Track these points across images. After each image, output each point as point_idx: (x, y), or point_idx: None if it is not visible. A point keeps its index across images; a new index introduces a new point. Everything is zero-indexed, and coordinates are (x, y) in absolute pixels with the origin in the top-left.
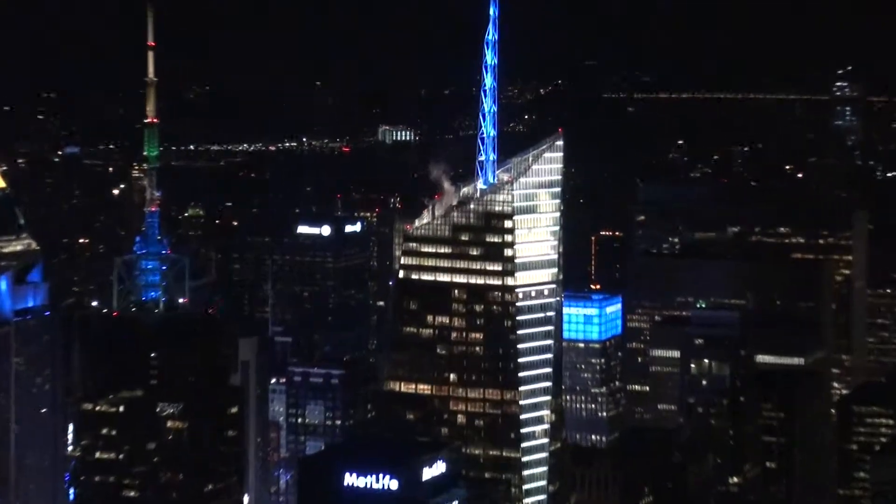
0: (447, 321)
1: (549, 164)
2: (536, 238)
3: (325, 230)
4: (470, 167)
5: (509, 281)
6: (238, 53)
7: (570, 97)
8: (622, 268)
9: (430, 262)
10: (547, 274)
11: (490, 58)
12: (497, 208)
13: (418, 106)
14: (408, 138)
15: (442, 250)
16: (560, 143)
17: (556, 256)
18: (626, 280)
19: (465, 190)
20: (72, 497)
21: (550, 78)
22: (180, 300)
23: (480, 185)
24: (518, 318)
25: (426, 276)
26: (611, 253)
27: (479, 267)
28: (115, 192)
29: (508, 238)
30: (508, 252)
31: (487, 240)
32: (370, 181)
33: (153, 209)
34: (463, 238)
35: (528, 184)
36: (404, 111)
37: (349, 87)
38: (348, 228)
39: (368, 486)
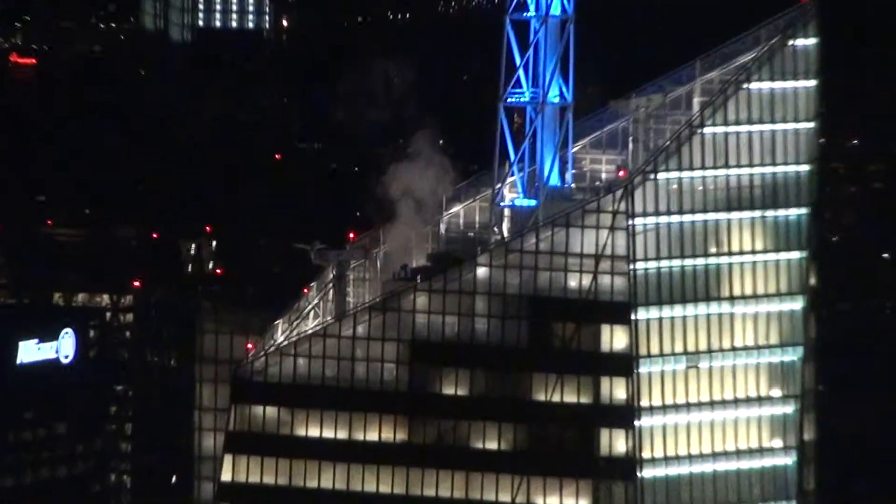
0: None
1: (767, 116)
2: (738, 392)
3: None
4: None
5: None
6: None
7: None
8: None
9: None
10: None
11: None
12: (573, 285)
13: None
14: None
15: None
16: (810, 41)
17: (791, 459)
18: None
19: (445, 219)
20: None
21: None
22: None
23: (515, 198)
24: None
25: None
26: None
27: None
28: None
29: (620, 394)
30: (618, 448)
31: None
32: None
33: None
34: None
35: (683, 194)
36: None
37: None
38: None
39: None
